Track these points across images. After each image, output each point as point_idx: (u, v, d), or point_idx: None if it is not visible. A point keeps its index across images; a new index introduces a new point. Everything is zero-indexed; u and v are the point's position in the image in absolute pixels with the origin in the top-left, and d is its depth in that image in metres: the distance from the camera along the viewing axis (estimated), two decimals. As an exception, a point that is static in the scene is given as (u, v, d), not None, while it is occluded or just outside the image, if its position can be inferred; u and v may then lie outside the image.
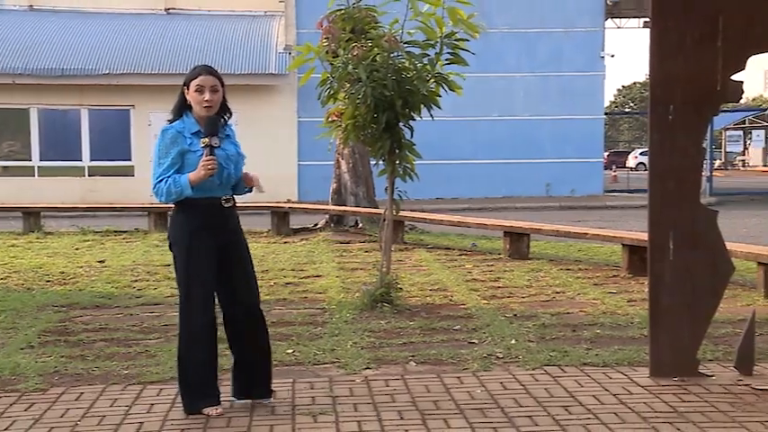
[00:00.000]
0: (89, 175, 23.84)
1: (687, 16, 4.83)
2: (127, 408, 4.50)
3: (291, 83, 22.78)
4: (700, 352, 5.05)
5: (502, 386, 4.80)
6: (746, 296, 7.53)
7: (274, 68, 23.13)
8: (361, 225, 13.88)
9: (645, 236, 5.21)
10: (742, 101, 10.39)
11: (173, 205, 4.39)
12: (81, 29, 24.28)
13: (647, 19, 5.01)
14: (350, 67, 6.76)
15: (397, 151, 7.09)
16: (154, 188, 4.31)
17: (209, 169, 4.19)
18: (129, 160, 23.93)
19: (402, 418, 4.24)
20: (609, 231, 10.67)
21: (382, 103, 6.82)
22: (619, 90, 70.21)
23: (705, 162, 23.43)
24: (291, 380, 4.99)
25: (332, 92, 7.04)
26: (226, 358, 5.51)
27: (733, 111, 35.53)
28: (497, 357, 5.46)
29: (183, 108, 4.39)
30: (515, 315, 6.84)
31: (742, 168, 48.60)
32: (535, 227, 10.99)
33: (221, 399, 4.46)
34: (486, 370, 5.16)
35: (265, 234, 13.77)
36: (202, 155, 4.23)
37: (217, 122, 4.33)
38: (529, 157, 24.82)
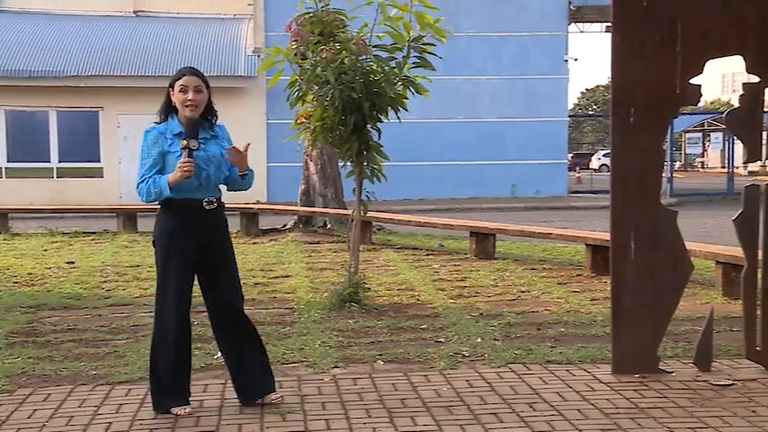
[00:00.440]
0: (58, 177, 23.62)
1: (647, 22, 4.95)
2: (95, 408, 4.51)
3: (260, 85, 22.77)
4: (660, 349, 5.16)
5: (468, 384, 4.87)
6: (705, 294, 7.69)
7: (243, 71, 23.09)
8: (329, 226, 13.93)
9: (607, 236, 5.32)
10: (701, 104, 10.59)
11: (158, 206, 4.43)
12: (49, 30, 24.06)
13: (609, 24, 5.12)
14: (318, 69, 6.81)
15: (364, 153, 7.15)
16: (137, 188, 4.35)
17: (186, 171, 4.21)
18: (98, 162, 23.74)
19: (370, 416, 4.29)
20: (572, 232, 10.83)
21: (350, 105, 6.88)
22: (582, 93, 70.82)
23: (665, 164, 23.83)
24: (260, 379, 5.02)
25: (300, 94, 7.09)
26: (196, 358, 5.55)
27: (692, 114, 36.03)
28: (463, 356, 5.54)
29: (168, 110, 4.42)
30: (481, 314, 6.93)
31: (701, 170, 49.28)
32: (501, 227, 11.11)
33: (192, 399, 4.48)
34: (453, 368, 5.23)
35: (234, 235, 13.66)
36: (181, 156, 4.25)
37: (196, 125, 4.34)
38: (494, 158, 25.01)
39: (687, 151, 45.68)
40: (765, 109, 5.06)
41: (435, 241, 12.35)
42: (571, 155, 40.49)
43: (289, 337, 6.14)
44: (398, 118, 7.18)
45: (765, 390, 4.68)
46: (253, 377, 4.53)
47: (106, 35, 23.91)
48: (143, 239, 13.24)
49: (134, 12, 25.67)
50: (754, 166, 29.21)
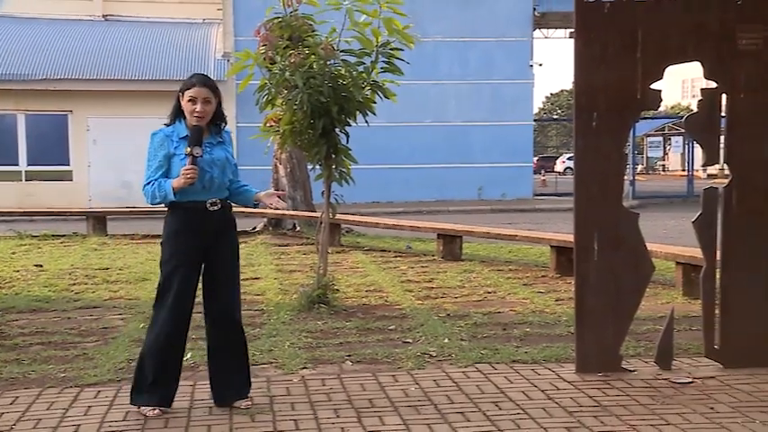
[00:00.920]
0: (26, 180, 23.34)
1: (609, 29, 5.07)
2: (63, 411, 4.50)
3: (230, 89, 22.66)
4: (623, 348, 5.27)
5: (435, 383, 4.94)
6: (666, 294, 7.84)
7: (213, 75, 22.94)
8: (298, 228, 13.97)
9: (571, 238, 5.41)
10: (661, 108, 10.76)
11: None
12: (18, 34, 23.80)
13: (573, 30, 5.23)
14: (287, 73, 6.86)
15: (333, 156, 7.21)
16: (143, 189, 4.42)
17: (189, 178, 4.28)
18: (68, 165, 23.51)
19: (338, 416, 4.34)
20: (538, 233, 10.96)
21: (318, 109, 6.94)
22: (547, 97, 71.45)
23: (627, 167, 24.11)
24: (230, 380, 5.05)
25: (270, 98, 7.13)
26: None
27: (653, 118, 36.53)
28: (431, 356, 5.61)
29: (177, 113, 4.48)
30: (448, 315, 7.02)
31: (662, 173, 49.93)
32: (467, 229, 11.22)
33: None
34: (420, 368, 5.30)
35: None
36: (185, 161, 4.32)
37: (200, 133, 4.39)
38: (461, 161, 25.17)
39: (649, 155, 46.27)
40: (723, 113, 5.19)
41: (403, 243, 12.44)
42: (536, 158, 40.85)
43: (258, 338, 6.17)
44: (366, 122, 7.25)
45: (723, 387, 4.80)
46: (231, 382, 4.56)
47: (75, 39, 23.72)
48: (113, 242, 13.18)
49: (103, 16, 25.48)
50: (713, 169, 29.67)
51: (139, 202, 21.11)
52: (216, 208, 4.45)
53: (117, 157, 22.87)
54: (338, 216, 8.61)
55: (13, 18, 24.63)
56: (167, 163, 4.39)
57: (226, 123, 4.65)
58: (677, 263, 8.00)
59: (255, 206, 4.60)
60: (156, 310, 4.45)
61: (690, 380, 4.94)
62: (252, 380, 4.94)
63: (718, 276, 5.20)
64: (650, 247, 5.59)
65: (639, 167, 42.09)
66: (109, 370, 5.32)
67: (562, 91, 68.91)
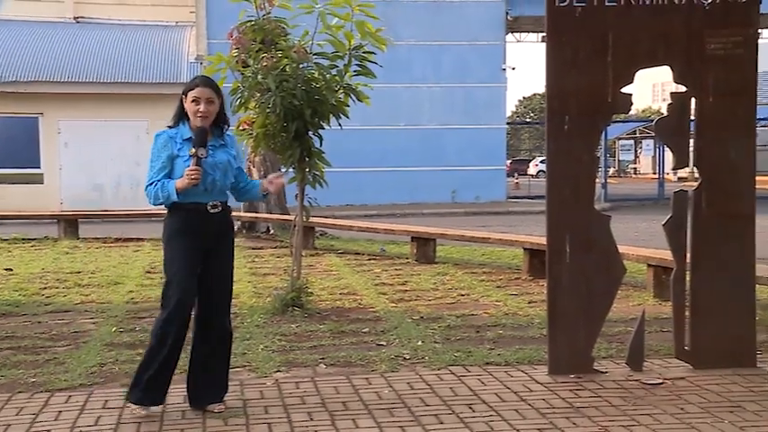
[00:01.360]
0: (-4, 183, 23.10)
1: (579, 33, 5.11)
2: (33, 416, 4.46)
3: (202, 91, 22.56)
4: (594, 350, 5.32)
5: (409, 386, 4.95)
6: (637, 296, 7.91)
7: (186, 77, 22.84)
8: (272, 231, 13.94)
9: (544, 240, 5.45)
10: (632, 112, 10.86)
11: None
12: (-12, 36, 23.55)
13: (545, 34, 5.28)
14: (260, 76, 6.86)
15: (306, 159, 7.21)
16: (145, 190, 4.42)
17: (193, 179, 4.29)
18: (38, 168, 23.24)
19: (312, 420, 4.34)
20: (511, 236, 11.02)
21: (291, 112, 6.94)
22: (520, 101, 71.82)
23: (599, 170, 24.30)
24: (203, 384, 5.03)
25: (243, 101, 7.12)
26: (137, 365, 5.53)
27: (625, 121, 36.87)
28: (404, 358, 5.62)
29: (181, 115, 4.48)
30: (422, 317, 7.04)
31: (634, 176, 50.36)
32: (441, 232, 11.25)
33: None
34: (394, 371, 5.31)
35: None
36: (189, 162, 4.33)
37: (205, 134, 4.40)
38: (435, 164, 25.23)
39: (620, 158, 46.69)
40: (692, 117, 5.25)
41: (377, 246, 12.45)
42: (509, 161, 41.06)
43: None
44: (340, 125, 7.26)
45: (693, 387, 4.85)
46: (211, 385, 4.56)
47: (46, 41, 23.49)
48: (85, 246, 13.07)
49: (74, 18, 25.23)
50: (683, 172, 29.97)
51: (111, 206, 21.07)
52: (217, 210, 4.48)
53: (89, 160, 22.69)
54: (312, 219, 8.60)
55: (-19, 20, 24.37)
56: (170, 164, 4.41)
57: (228, 126, 4.66)
58: (648, 265, 8.08)
59: (265, 197, 4.64)
60: (162, 312, 4.43)
61: (660, 381, 4.99)
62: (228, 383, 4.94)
63: (688, 278, 5.26)
64: (622, 249, 5.64)
65: (611, 170, 42.45)
66: (80, 374, 5.27)
67: (535, 94, 69.35)
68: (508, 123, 33.39)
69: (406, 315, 7.12)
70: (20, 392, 4.91)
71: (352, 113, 7.37)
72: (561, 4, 5.09)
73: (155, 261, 10.96)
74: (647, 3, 5.13)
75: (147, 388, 4.43)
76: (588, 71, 5.12)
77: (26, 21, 24.37)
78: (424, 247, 10.80)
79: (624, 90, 5.19)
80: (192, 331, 4.58)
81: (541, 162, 47.16)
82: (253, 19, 7.12)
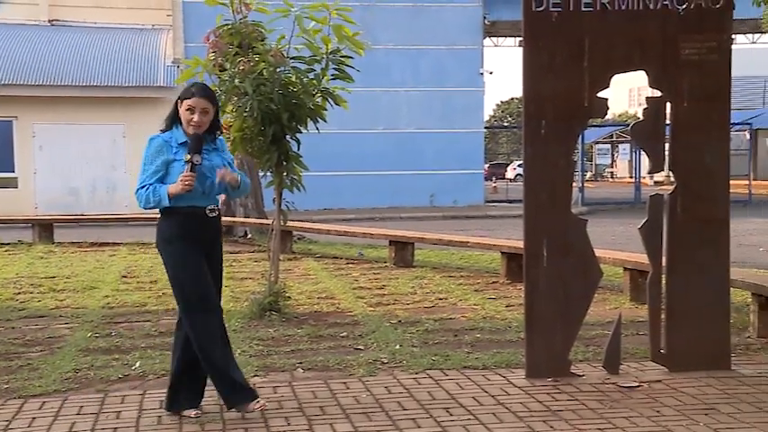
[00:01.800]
0: (-30, 187, 22.86)
1: (556, 38, 5.14)
2: (6, 423, 4.42)
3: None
4: (571, 353, 5.34)
5: (387, 390, 4.95)
6: (614, 300, 7.96)
7: (162, 81, 22.80)
8: (250, 235, 13.90)
9: (521, 244, 5.48)
10: (609, 116, 10.96)
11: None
12: (-39, 39, 23.30)
13: (522, 38, 5.30)
14: (237, 80, 6.84)
15: (284, 163, 7.19)
16: (136, 193, 4.39)
17: (187, 185, 4.28)
18: (13, 172, 23.02)
19: (289, 424, 4.33)
20: (488, 240, 11.05)
21: (269, 116, 6.92)
22: (498, 105, 72.10)
23: (576, 174, 24.46)
24: (180, 389, 5.00)
25: (219, 104, 7.08)
26: (113, 369, 5.49)
27: (601, 126, 37.16)
28: (382, 362, 5.62)
29: (174, 119, 4.46)
30: (400, 321, 7.04)
31: (610, 180, 50.70)
32: (419, 236, 11.27)
33: (108, 410, 4.45)
34: (372, 375, 5.31)
35: (154, 245, 13.52)
36: (185, 166, 4.32)
37: (200, 140, 4.39)
38: (413, 168, 25.27)
39: (597, 162, 46.99)
40: (667, 122, 5.29)
41: (355, 250, 12.44)
42: (487, 165, 41.21)
43: (208, 347, 6.11)
44: (317, 129, 7.25)
45: (669, 390, 4.88)
46: (195, 390, 4.56)
47: (20, 44, 23.27)
48: (60, 250, 12.96)
49: (49, 21, 25.03)
50: (659, 176, 30.22)
51: (87, 210, 20.92)
52: (214, 215, 4.50)
53: (64, 164, 22.51)
54: (290, 223, 8.58)
55: (-45, 22, 24.12)
56: (165, 168, 4.38)
57: (221, 132, 4.69)
58: (625, 268, 8.13)
59: (241, 185, 4.63)
60: (192, 317, 4.39)
61: (637, 384, 5.01)
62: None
63: (664, 282, 5.29)
64: (598, 253, 5.67)
65: (588, 174, 42.70)
66: (54, 380, 5.23)
67: (513, 98, 69.64)
68: (486, 127, 33.54)
69: (384, 319, 7.12)
70: (-7, 399, 4.87)
71: (330, 117, 7.37)
72: (538, 9, 5.12)
73: (131, 266, 10.90)
74: (623, 8, 5.16)
75: (236, 389, 4.42)
76: (565, 76, 5.14)
77: (0, 24, 24.14)
78: (403, 251, 10.81)
79: (600, 95, 5.22)
80: (180, 336, 4.53)
81: (519, 166, 47.30)
82: (229, 23, 7.10)
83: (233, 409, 4.45)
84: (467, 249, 11.62)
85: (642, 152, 5.64)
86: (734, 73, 5.38)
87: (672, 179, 5.36)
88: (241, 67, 6.81)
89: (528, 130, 5.20)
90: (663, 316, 5.29)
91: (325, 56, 7.00)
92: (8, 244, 13.69)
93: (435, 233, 12.31)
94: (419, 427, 4.29)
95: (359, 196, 24.62)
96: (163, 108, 20.99)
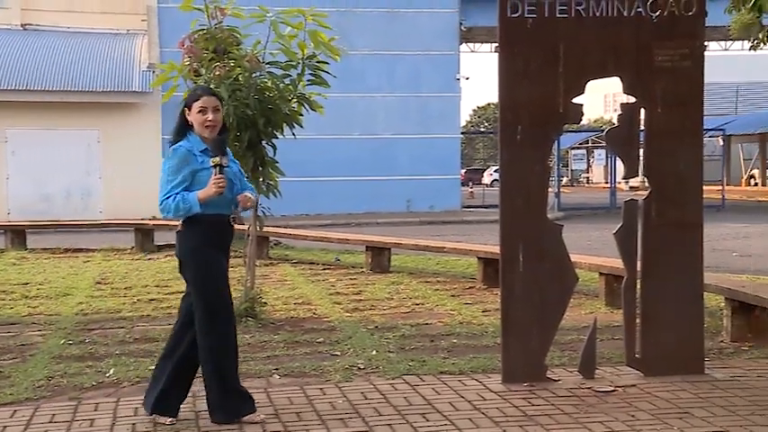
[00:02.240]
0: (-60, 192, 22.56)
1: (531, 44, 5.17)
2: (-22, 431, 4.38)
3: (155, 100, 22.29)
4: (547, 358, 5.36)
5: (363, 396, 4.94)
6: (590, 304, 8.00)
7: (138, 86, 22.64)
8: (224, 241, 13.81)
9: (498, 249, 5.49)
10: (584, 122, 11.01)
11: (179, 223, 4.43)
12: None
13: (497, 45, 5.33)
14: (212, 85, 6.80)
15: (260, 169, 7.17)
16: (161, 204, 4.31)
17: (220, 187, 4.26)
18: (-16, 177, 22.80)
19: (265, 431, 4.31)
20: (465, 245, 11.08)
21: (244, 121, 6.90)
22: (474, 110, 72.31)
23: (553, 179, 24.58)
24: (154, 397, 4.97)
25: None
26: (86, 377, 5.44)
27: (577, 131, 37.40)
28: (359, 368, 5.62)
29: (184, 128, 4.41)
30: (377, 327, 7.03)
31: (586, 185, 51.04)
32: (396, 241, 11.27)
33: (82, 419, 4.40)
34: (348, 381, 5.30)
35: (129, 251, 13.51)
36: (212, 172, 4.29)
37: (225, 142, 4.40)
38: (389, 174, 25.28)
39: (573, 167, 47.26)
40: (641, 127, 5.33)
41: (332, 256, 12.42)
42: (464, 170, 41.33)
43: (183, 353, 6.07)
44: (293, 134, 7.23)
45: (644, 395, 4.91)
46: (185, 396, 4.58)
47: (-8, 49, 23.06)
48: (33, 256, 12.84)
49: (21, 25, 24.77)
50: (635, 182, 30.38)
51: (61, 216, 20.70)
52: (233, 222, 4.53)
53: (37, 170, 22.28)
54: (266, 229, 8.56)
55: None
56: (191, 178, 4.33)
57: (228, 136, 4.70)
58: (600, 273, 8.17)
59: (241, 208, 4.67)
60: (212, 326, 4.37)
61: (612, 388, 5.04)
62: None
63: (638, 286, 5.33)
64: (574, 258, 5.70)
65: (564, 180, 42.96)
66: (27, 388, 5.17)
67: (489, 104, 69.89)
68: (462, 133, 33.60)
69: (361, 325, 7.11)
70: (-36, 407, 4.80)
71: (306, 123, 7.36)
72: (513, 16, 5.14)
73: (105, 272, 10.81)
74: (597, 15, 5.20)
75: (240, 397, 4.42)
76: (540, 82, 5.17)
77: (-28, 27, 23.91)
78: (379, 257, 10.81)
79: (575, 100, 5.26)
80: (183, 341, 4.50)
81: (495, 171, 47.48)
82: (205, 28, 7.07)
83: (219, 422, 4.40)
84: (443, 255, 11.63)
85: (617, 158, 5.66)
86: (706, 79, 5.43)
87: (647, 184, 5.40)
88: (216, 73, 6.79)
89: (504, 135, 5.22)
90: (638, 320, 5.33)
91: (300, 61, 7.00)
92: (-20, 250, 13.55)
93: (412, 238, 12.31)
94: (396, 432, 4.28)
95: (335, 202, 24.59)
96: (138, 113, 20.98)
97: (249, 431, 4.32)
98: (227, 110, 6.79)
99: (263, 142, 7.13)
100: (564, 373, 5.41)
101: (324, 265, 11.55)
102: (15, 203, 22.27)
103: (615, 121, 5.42)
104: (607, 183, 31.60)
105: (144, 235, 13.87)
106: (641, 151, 5.35)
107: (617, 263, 7.24)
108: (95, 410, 4.71)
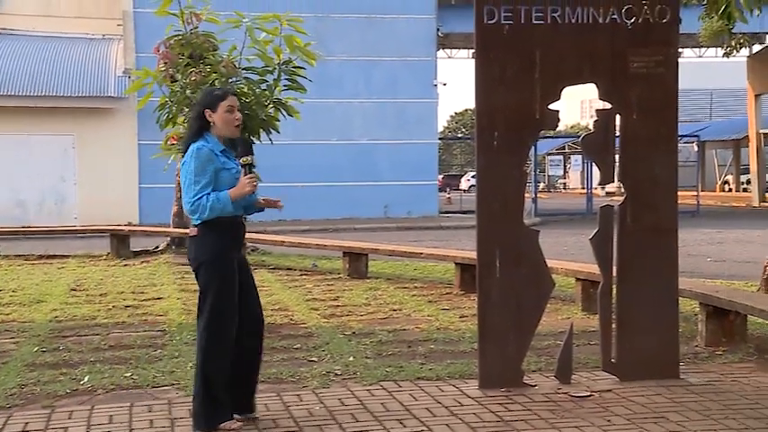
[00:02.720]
0: None
1: (507, 50, 5.19)
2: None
3: (131, 106, 22.16)
4: (524, 363, 5.36)
5: (340, 402, 4.93)
6: (566, 310, 8.03)
7: (113, 91, 22.50)
8: (202, 247, 13.75)
9: (475, 255, 5.50)
10: (561, 128, 11.07)
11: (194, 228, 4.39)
12: None
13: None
14: (188, 91, 6.78)
15: (236, 174, 7.13)
16: (192, 205, 4.26)
17: (255, 185, 4.32)
18: (-43, 182, 22.53)
19: (242, 438, 4.30)
20: (442, 251, 11.09)
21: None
22: (452, 116, 72.49)
23: (530, 185, 24.67)
24: (129, 404, 4.93)
25: (170, 116, 7.02)
26: (60, 384, 5.38)
27: (554, 137, 37.62)
28: (336, 374, 5.60)
29: (203, 129, 4.39)
30: (354, 333, 7.02)
31: (563, 191, 51.32)
32: (373, 247, 11.26)
33: (55, 426, 4.35)
34: (325, 387, 5.28)
35: (104, 257, 13.40)
36: (237, 172, 4.32)
37: (251, 141, 4.42)
38: (367, 179, 25.28)
39: (550, 173, 47.49)
40: (617, 133, 5.37)
41: (309, 261, 12.39)
42: (442, 176, 41.37)
43: (160, 359, 6.04)
44: (270, 140, 7.21)
45: (620, 399, 4.93)
46: (249, 395, 4.59)
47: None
48: (6, 263, 12.72)
49: (-5, 30, 24.58)
50: (611, 187, 30.56)
51: (35, 222, 20.53)
52: (245, 222, 4.55)
53: (11, 176, 22.07)
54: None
55: None
56: (215, 178, 4.32)
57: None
58: (576, 279, 8.21)
59: (261, 210, 4.70)
60: (217, 331, 4.35)
61: (588, 393, 5.06)
62: (153, 402, 4.86)
63: (614, 292, 5.35)
64: (550, 263, 5.71)
65: (541, 185, 43.14)
66: (-4, 396, 5.11)
67: (466, 110, 70.08)
68: (440, 138, 33.68)
69: (338, 331, 7.10)
70: (-66, 416, 4.73)
71: (284, 128, 7.34)
72: (489, 22, 5.16)
73: (80, 278, 10.72)
74: (573, 22, 5.23)
75: (222, 408, 4.39)
76: (516, 88, 5.19)
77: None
78: (357, 263, 10.80)
79: (552, 106, 5.27)
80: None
81: (473, 177, 47.59)
82: (180, 33, 7.04)
83: (205, 430, 4.36)
84: (420, 260, 11.64)
85: (593, 163, 5.69)
86: (681, 86, 5.48)
87: (622, 190, 5.43)
88: (192, 78, 6.77)
89: (480, 141, 5.23)
90: (614, 326, 5.35)
91: (277, 66, 6.98)
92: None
93: (389, 244, 12.32)
94: (373, 439, 4.27)
95: (313, 207, 24.54)
96: (113, 119, 20.80)
97: (225, 438, 4.30)
98: (203, 115, 6.76)
99: (240, 148, 7.09)
100: (541, 378, 5.43)
101: (301, 270, 11.52)
102: (-13, 209, 22.05)
103: (591, 127, 5.45)
104: (584, 188, 31.75)
105: (119, 241, 13.78)
106: (617, 157, 5.38)
107: (593, 268, 7.26)
108: (69, 418, 4.66)
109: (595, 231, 5.33)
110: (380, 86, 25.51)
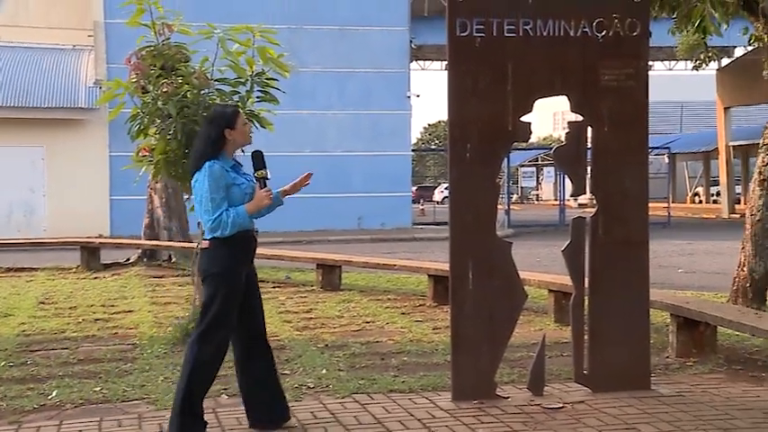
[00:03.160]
0: None
1: (480, 62, 5.21)
2: None
3: (102, 117, 21.97)
4: (497, 375, 5.37)
5: (312, 415, 4.90)
6: (539, 321, 8.06)
7: (84, 102, 22.30)
8: (174, 259, 13.68)
9: (448, 266, 5.50)
10: (534, 140, 11.13)
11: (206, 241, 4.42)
12: None
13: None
14: (160, 102, 6.73)
15: (209, 186, 7.08)
16: (213, 222, 4.30)
17: (271, 200, 4.41)
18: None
19: (214, 452, 4.26)
20: (415, 263, 11.09)
21: (193, 138, 6.80)
22: (425, 128, 72.71)
23: (503, 196, 24.75)
24: (98, 418, 4.86)
25: (142, 127, 6.96)
26: (27, 399, 5.30)
27: (527, 149, 37.82)
28: (308, 387, 5.57)
29: (221, 146, 4.44)
30: (327, 345, 6.99)
31: (536, 202, 51.60)
32: (346, 259, 11.24)
33: None
34: (298, 400, 5.25)
35: (74, 270, 13.24)
36: (247, 187, 4.40)
37: (263, 155, 4.47)
38: (341, 191, 25.24)
39: (523, 184, 47.70)
40: (588, 145, 5.40)
41: (282, 273, 12.34)
42: (415, 188, 41.46)
43: (130, 373, 5.97)
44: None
45: (592, 411, 4.95)
46: (275, 405, 4.59)
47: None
48: (-12, 275, 12.54)
49: (-36, 40, 24.30)
50: (583, 199, 30.77)
51: (3, 234, 20.23)
52: (257, 234, 4.58)
53: (-21, 188, 21.79)
54: (215, 247, 8.45)
55: None
56: (227, 193, 4.37)
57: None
58: (549, 290, 8.24)
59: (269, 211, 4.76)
60: (211, 339, 4.36)
61: (561, 405, 5.07)
62: (122, 417, 4.80)
63: (587, 303, 5.37)
64: (523, 275, 5.73)
65: (514, 197, 43.34)
66: (-34, 412, 5.01)
67: (440, 121, 70.33)
68: (413, 150, 33.73)
69: (311, 343, 7.06)
70: None
71: (257, 140, 7.23)
72: (462, 34, 5.18)
73: (49, 291, 10.59)
74: (545, 35, 5.26)
75: (199, 420, 4.40)
76: (488, 100, 5.21)
77: None
78: (330, 275, 10.76)
79: (524, 119, 5.30)
80: (238, 360, 4.57)
81: (446, 189, 47.65)
82: (152, 44, 6.99)
83: None
84: (394, 272, 11.63)
85: (566, 175, 5.72)
86: (652, 98, 5.53)
87: (595, 202, 5.46)
88: (164, 90, 6.71)
89: (453, 153, 5.24)
90: (586, 337, 5.37)
91: (249, 78, 6.95)
92: None
93: (362, 256, 12.29)
94: (345, 452, 4.25)
95: (286, 219, 24.30)
96: (84, 130, 20.62)
97: (196, 453, 4.25)
98: (175, 127, 6.72)
99: (212, 159, 7.04)
100: (513, 390, 5.43)
101: (274, 283, 11.46)
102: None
103: (563, 139, 5.48)
104: (556, 200, 31.94)
105: (90, 253, 13.64)
106: (589, 169, 5.41)
107: (566, 280, 7.30)
108: (37, 434, 4.59)
109: (568, 243, 5.35)
110: (354, 98, 25.53)
